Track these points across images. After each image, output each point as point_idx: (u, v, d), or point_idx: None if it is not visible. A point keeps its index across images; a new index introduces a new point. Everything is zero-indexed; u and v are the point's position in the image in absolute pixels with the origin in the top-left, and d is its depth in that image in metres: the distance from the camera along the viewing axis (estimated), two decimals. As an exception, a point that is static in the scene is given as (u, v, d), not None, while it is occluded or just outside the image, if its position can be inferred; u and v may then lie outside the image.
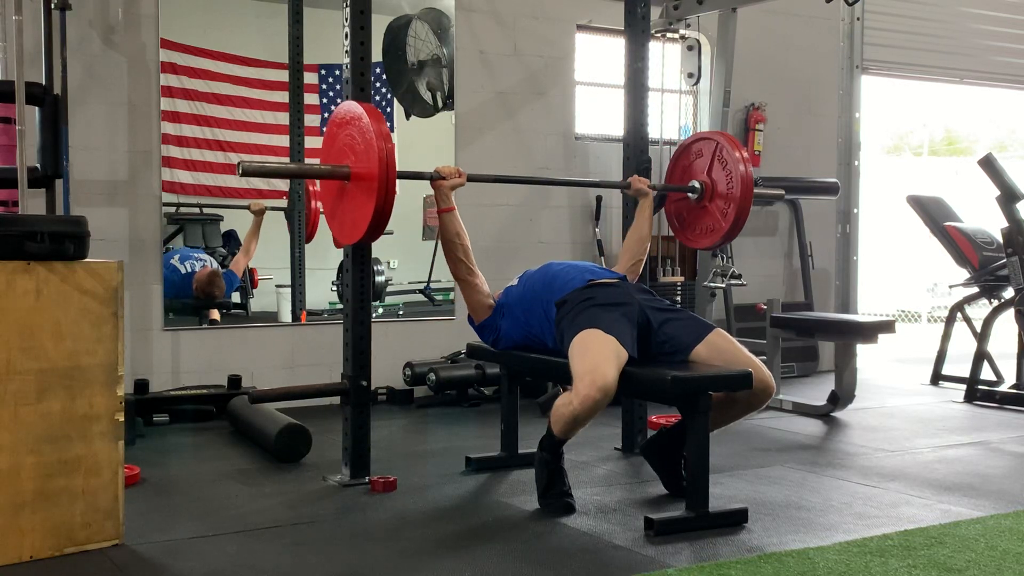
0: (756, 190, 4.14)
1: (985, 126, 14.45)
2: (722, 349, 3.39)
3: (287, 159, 5.57)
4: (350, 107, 3.43)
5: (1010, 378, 5.98)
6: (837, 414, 5.28)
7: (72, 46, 4.52)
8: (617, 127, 4.63)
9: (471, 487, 3.70)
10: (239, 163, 3.32)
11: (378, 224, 3.31)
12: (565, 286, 3.55)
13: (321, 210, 5.42)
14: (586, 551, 2.94)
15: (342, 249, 3.75)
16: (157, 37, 5.13)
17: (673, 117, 6.55)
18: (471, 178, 3.77)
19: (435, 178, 3.67)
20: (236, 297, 5.60)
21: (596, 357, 3.16)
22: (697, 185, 4.22)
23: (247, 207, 5.50)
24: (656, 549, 2.94)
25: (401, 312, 5.87)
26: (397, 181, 3.31)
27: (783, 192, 4.69)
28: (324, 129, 5.65)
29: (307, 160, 5.60)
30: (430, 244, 5.80)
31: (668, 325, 3.45)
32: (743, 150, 4.14)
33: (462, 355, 5.51)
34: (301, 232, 5.63)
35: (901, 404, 5.72)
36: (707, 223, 4.24)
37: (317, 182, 5.33)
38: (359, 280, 3.69)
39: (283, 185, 5.62)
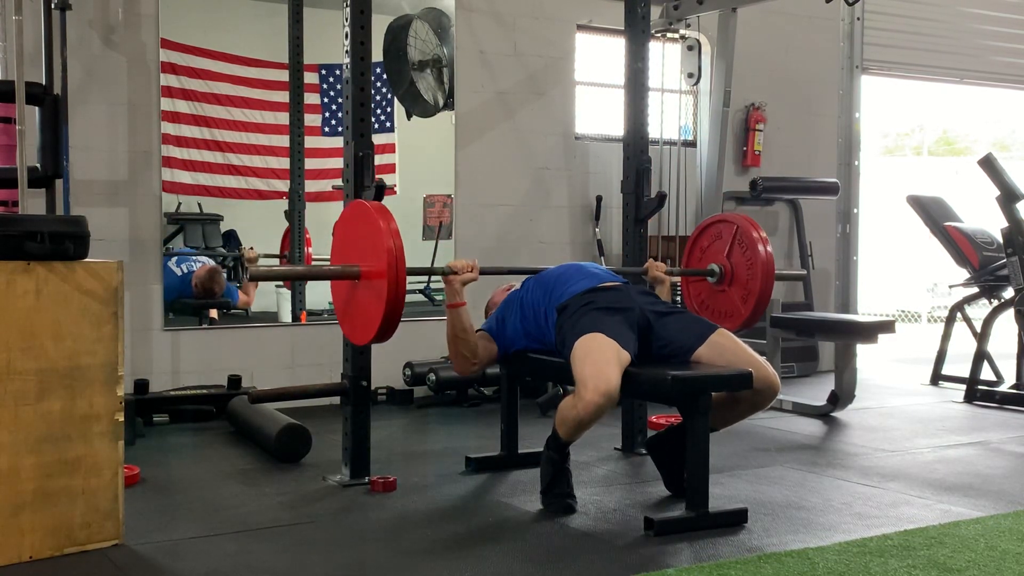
0: (777, 272, 3.96)
1: (985, 126, 14.44)
2: (725, 348, 3.39)
3: (287, 159, 5.58)
4: (359, 205, 3.35)
5: (1010, 378, 5.98)
6: (837, 414, 5.28)
7: (72, 46, 4.52)
8: (617, 127, 4.63)
9: (471, 487, 3.70)
10: (247, 270, 3.25)
11: (390, 323, 3.18)
12: (566, 291, 3.53)
13: (313, 255, 5.48)
14: (586, 551, 2.94)
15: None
16: (157, 37, 5.13)
17: (673, 117, 6.56)
18: (484, 271, 3.61)
19: (447, 273, 3.54)
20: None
21: (599, 361, 3.16)
22: (716, 269, 4.06)
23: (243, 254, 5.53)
24: (656, 549, 2.94)
25: (401, 312, 5.87)
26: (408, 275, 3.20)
27: (804, 272, 4.66)
28: (325, 129, 5.69)
29: (306, 160, 5.60)
30: (430, 244, 5.80)
31: (669, 328, 3.44)
32: (761, 231, 3.95)
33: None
34: (301, 233, 5.63)
35: (901, 404, 5.72)
36: (726, 308, 4.06)
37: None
38: (359, 280, 3.68)
39: (283, 187, 5.62)
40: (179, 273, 5.34)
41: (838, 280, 5.49)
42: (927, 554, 2.88)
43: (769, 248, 3.94)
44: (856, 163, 5.42)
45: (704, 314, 4.17)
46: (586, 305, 3.42)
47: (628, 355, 3.22)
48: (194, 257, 5.42)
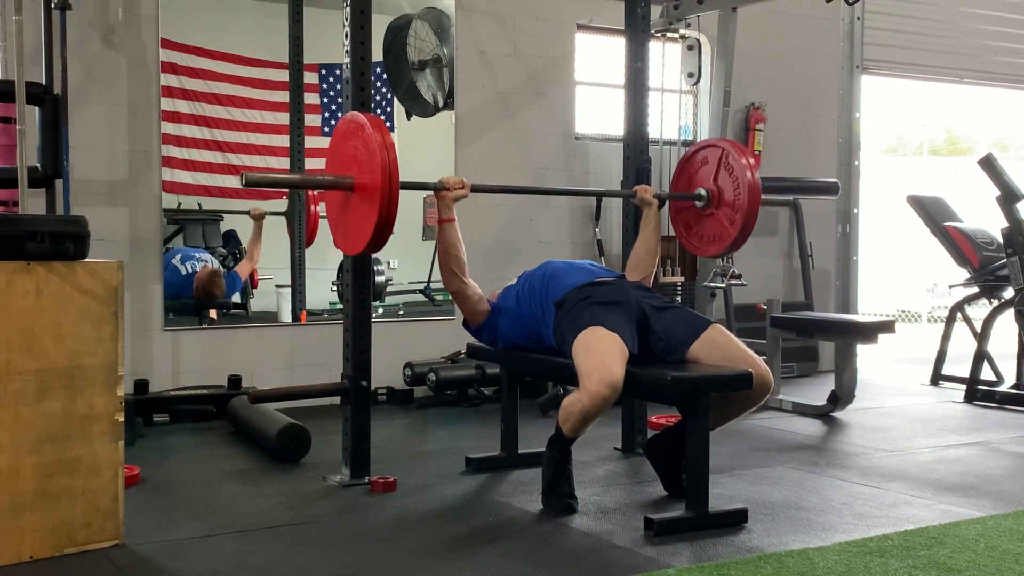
0: (763, 196, 4.03)
1: (985, 126, 14.44)
2: (719, 344, 3.41)
3: (287, 159, 5.58)
4: (354, 117, 3.40)
5: (1010, 378, 5.98)
6: (837, 414, 5.28)
7: (72, 46, 4.52)
8: (617, 127, 4.63)
9: (471, 487, 3.70)
10: (242, 173, 3.31)
11: (381, 234, 3.26)
12: (563, 286, 3.56)
13: (321, 214, 5.43)
14: (586, 551, 2.94)
15: (342, 249, 3.74)
16: (157, 37, 5.13)
17: (673, 117, 6.56)
18: (475, 188, 3.72)
19: (439, 189, 3.63)
20: (236, 297, 5.60)
21: (602, 354, 3.17)
22: (703, 192, 4.11)
23: (247, 212, 5.49)
24: (656, 549, 2.94)
25: (401, 312, 5.87)
26: (400, 189, 3.26)
27: (790, 198, 4.67)
28: (325, 129, 5.69)
29: (307, 160, 5.60)
30: (430, 244, 5.78)
31: (665, 321, 3.46)
32: (749, 156, 4.02)
33: (462, 355, 5.51)
34: (301, 232, 5.63)
35: (901, 404, 5.72)
36: (714, 231, 4.12)
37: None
38: (359, 280, 3.69)
39: (283, 185, 5.61)
40: (184, 272, 5.33)
41: (838, 280, 5.49)
42: (927, 554, 2.88)
43: (757, 174, 3.99)
44: (856, 163, 5.42)
45: (692, 240, 4.25)
46: (584, 299, 3.44)
47: (628, 349, 3.24)
48: (198, 255, 5.41)
